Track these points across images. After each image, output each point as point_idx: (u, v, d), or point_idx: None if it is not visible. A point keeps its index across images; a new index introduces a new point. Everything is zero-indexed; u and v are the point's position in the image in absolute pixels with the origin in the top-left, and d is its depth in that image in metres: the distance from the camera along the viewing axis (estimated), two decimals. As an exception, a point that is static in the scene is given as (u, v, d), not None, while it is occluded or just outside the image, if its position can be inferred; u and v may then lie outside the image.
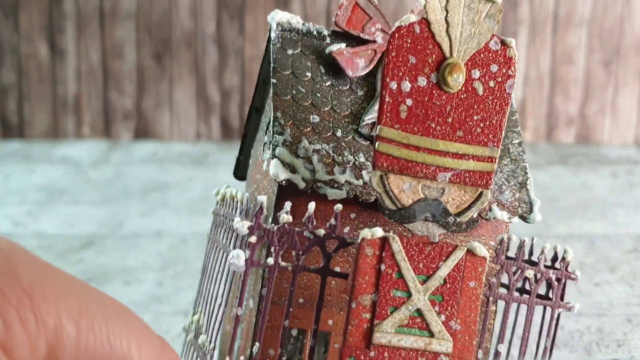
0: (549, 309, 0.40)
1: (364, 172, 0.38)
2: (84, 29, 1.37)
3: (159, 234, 0.84)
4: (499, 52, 0.34)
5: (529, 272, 0.39)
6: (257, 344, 0.35)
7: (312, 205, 0.34)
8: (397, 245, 0.34)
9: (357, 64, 0.42)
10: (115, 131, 1.39)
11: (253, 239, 0.33)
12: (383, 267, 0.34)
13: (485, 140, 0.34)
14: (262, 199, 0.34)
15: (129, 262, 0.74)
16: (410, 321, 0.34)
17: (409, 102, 0.33)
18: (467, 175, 0.34)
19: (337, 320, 0.39)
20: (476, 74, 0.34)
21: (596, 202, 0.99)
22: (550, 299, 0.39)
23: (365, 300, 0.34)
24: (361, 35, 0.43)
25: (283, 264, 0.34)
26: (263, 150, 0.43)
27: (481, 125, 0.34)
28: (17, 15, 1.36)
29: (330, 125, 0.40)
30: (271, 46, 0.42)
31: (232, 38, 1.38)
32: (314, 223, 0.35)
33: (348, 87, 0.43)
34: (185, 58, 1.38)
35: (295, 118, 0.39)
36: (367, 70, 0.43)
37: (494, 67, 0.34)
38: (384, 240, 0.34)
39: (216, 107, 1.39)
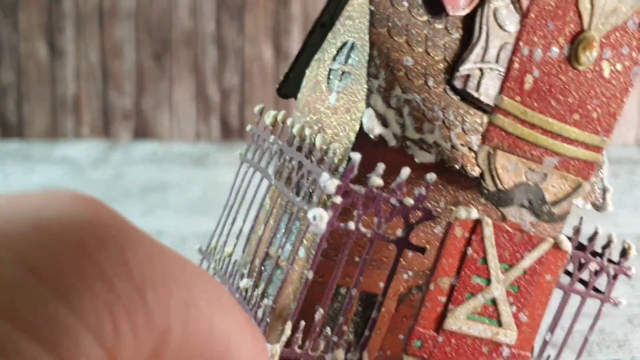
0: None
1: (452, 134, 0.35)
2: (83, 29, 1.37)
3: (159, 234, 0.84)
4: (635, 33, 0.31)
5: (592, 265, 0.37)
6: (319, 309, 0.32)
7: (405, 172, 0.32)
8: (489, 230, 0.32)
9: (458, 1, 0.38)
10: (114, 131, 1.39)
11: (338, 199, 0.31)
12: (470, 250, 0.32)
13: (599, 128, 0.32)
14: (356, 156, 0.31)
15: (128, 263, 0.74)
16: (482, 309, 0.32)
17: (536, 73, 0.30)
18: (573, 163, 0.32)
19: (391, 284, 0.35)
20: (607, 53, 0.31)
21: (597, 202, 0.99)
22: (602, 292, 0.38)
23: (444, 283, 0.32)
24: None
25: (363, 230, 0.32)
26: (329, 77, 0.39)
27: (598, 111, 0.32)
28: (17, 15, 1.36)
29: (423, 71, 0.36)
30: None
31: (232, 38, 1.38)
32: (404, 190, 0.32)
33: (443, 26, 0.38)
34: (184, 58, 1.37)
35: (389, 58, 0.35)
36: (467, 11, 0.38)
37: (625, 49, 0.31)
38: (476, 223, 0.32)
39: (216, 107, 1.39)
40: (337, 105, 0.37)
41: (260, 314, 0.34)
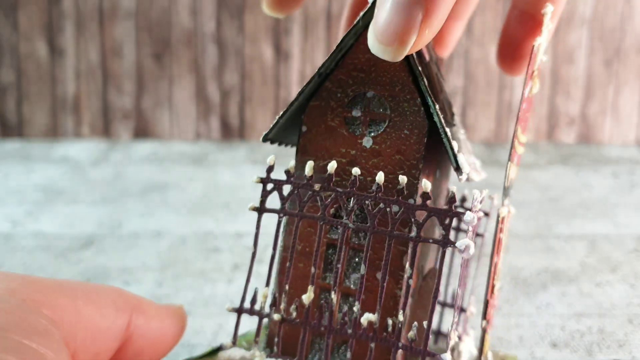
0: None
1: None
2: (83, 28, 1.37)
3: (158, 234, 0.84)
4: (538, 65, 0.42)
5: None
6: (485, 320, 0.40)
7: (476, 193, 0.39)
8: (507, 218, 0.42)
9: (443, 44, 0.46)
10: (114, 131, 1.39)
11: (470, 229, 0.38)
12: (502, 236, 0.41)
13: (525, 129, 0.43)
14: (477, 193, 0.37)
15: (128, 262, 0.74)
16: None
17: (524, 105, 0.41)
18: (517, 157, 0.43)
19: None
20: (535, 80, 0.42)
21: (597, 202, 0.99)
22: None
23: (495, 263, 0.42)
24: None
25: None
26: (346, 124, 0.41)
27: (528, 118, 0.43)
28: (16, 15, 1.36)
29: (444, 108, 0.42)
30: None
31: (232, 38, 1.38)
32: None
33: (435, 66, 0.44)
34: (184, 57, 1.37)
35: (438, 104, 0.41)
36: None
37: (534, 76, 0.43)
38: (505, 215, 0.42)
39: (216, 106, 1.39)
40: (380, 148, 0.41)
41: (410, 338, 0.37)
